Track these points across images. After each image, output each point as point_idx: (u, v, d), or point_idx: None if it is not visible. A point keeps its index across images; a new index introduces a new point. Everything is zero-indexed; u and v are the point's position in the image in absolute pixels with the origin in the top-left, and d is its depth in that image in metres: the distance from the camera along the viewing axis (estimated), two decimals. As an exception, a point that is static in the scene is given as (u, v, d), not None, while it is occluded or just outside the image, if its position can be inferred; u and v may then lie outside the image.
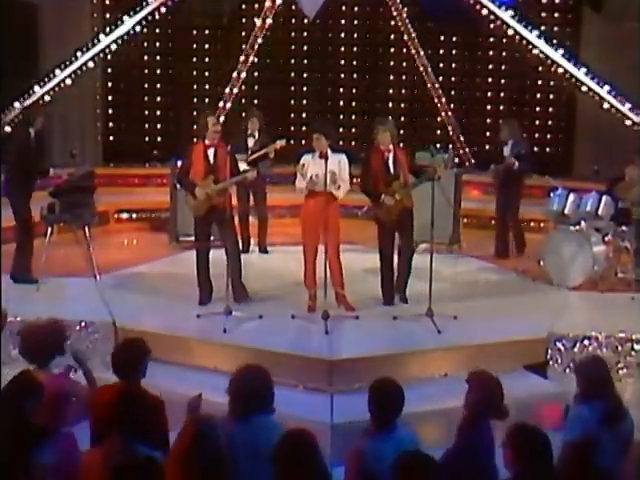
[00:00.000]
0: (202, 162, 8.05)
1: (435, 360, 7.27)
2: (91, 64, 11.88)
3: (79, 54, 11.77)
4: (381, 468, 4.12)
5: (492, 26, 12.82)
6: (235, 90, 12.87)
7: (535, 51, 11.71)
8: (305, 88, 14.38)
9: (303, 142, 11.60)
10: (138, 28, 11.89)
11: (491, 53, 13.99)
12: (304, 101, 14.30)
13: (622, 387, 7.30)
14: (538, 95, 13.99)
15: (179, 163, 10.88)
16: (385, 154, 8.12)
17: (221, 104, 12.79)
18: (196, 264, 8.27)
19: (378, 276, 8.40)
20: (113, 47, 11.86)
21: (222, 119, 12.11)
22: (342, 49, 14.35)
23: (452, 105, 13.13)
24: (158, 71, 14.25)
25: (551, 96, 13.84)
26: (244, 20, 13.67)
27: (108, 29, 11.91)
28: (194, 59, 14.21)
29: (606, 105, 11.57)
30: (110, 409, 4.31)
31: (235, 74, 12.85)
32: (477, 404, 4.67)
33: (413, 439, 4.65)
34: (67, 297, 8.42)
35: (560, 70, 11.70)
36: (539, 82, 13.74)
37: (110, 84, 14.14)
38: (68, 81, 11.75)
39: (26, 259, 8.68)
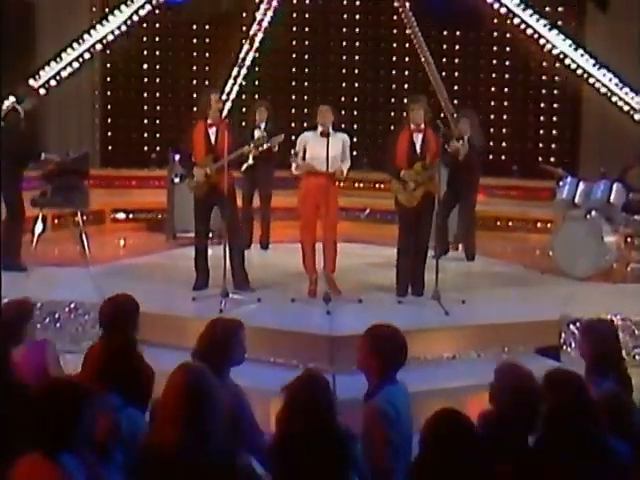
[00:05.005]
0: (203, 141, 7.79)
1: (442, 340, 6.96)
2: (87, 55, 11.61)
3: (75, 45, 11.52)
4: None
5: (495, 21, 12.65)
6: (236, 85, 12.63)
7: (541, 40, 11.42)
8: (306, 84, 14.15)
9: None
10: (135, 18, 11.64)
11: (495, 49, 13.73)
12: (305, 97, 14.04)
13: (638, 372, 7.03)
14: (543, 91, 13.70)
15: (177, 157, 10.69)
16: (414, 133, 7.76)
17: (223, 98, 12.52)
18: (195, 249, 8.00)
19: (383, 270, 8.20)
20: (110, 38, 11.61)
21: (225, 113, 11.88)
22: (344, 44, 14.11)
23: (455, 101, 12.84)
24: (157, 67, 14.04)
25: (555, 91, 13.56)
26: (244, 15, 13.42)
27: (104, 21, 11.66)
28: (194, 54, 14.02)
29: (614, 99, 11.29)
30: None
31: (235, 69, 12.62)
32: None
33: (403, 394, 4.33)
34: (57, 282, 8.11)
35: (567, 61, 11.43)
36: (543, 77, 13.45)
37: (108, 80, 13.90)
38: (64, 73, 11.49)
39: (14, 246, 8.34)
